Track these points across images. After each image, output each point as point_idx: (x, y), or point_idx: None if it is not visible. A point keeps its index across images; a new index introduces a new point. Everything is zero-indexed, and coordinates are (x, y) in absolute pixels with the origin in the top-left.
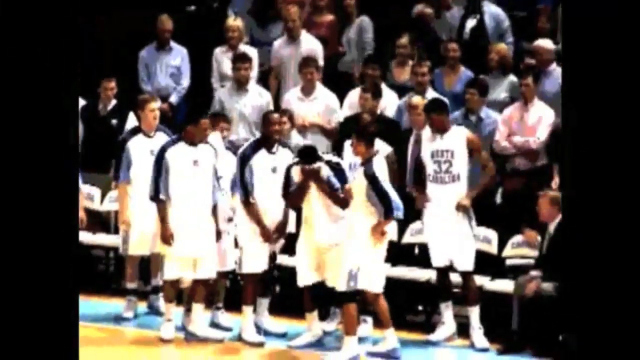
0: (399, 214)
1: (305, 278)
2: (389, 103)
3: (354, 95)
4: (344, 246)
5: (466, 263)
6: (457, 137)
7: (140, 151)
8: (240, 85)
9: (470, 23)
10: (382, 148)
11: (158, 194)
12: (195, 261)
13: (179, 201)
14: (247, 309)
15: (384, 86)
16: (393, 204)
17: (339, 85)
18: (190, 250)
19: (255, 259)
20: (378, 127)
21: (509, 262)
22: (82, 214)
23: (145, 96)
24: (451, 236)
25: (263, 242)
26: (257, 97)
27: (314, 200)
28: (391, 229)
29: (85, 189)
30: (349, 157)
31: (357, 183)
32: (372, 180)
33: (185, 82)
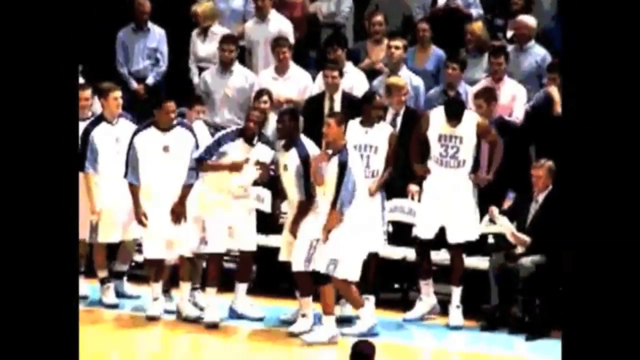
0: (343, 210)
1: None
2: (356, 82)
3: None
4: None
5: (460, 235)
6: (469, 123)
7: (105, 140)
8: (225, 67)
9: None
10: (385, 127)
11: (127, 178)
12: (172, 242)
13: (150, 185)
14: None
15: (351, 66)
16: (340, 199)
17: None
18: (163, 231)
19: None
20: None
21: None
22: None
23: (107, 84)
24: (449, 211)
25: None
26: (241, 79)
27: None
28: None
29: None
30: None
31: (331, 172)
32: (342, 169)
33: (163, 63)
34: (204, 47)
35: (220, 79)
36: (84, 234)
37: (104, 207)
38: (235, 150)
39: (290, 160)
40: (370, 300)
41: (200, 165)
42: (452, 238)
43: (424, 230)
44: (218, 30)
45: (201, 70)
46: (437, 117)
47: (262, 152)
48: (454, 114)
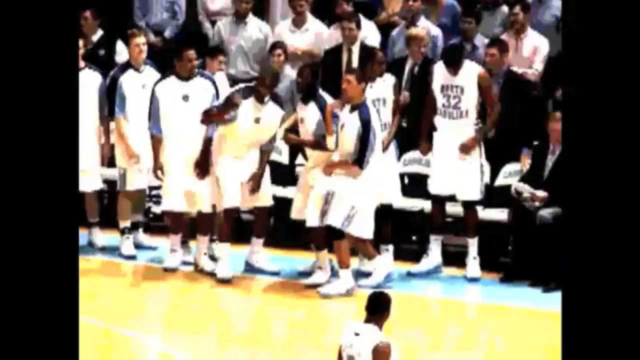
0: (365, 167)
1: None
2: (369, 34)
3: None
4: (342, 187)
5: (470, 192)
6: (469, 74)
7: (132, 86)
8: (240, 18)
9: None
10: (388, 78)
11: (150, 129)
12: (193, 195)
13: (171, 135)
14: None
15: (362, 18)
16: (366, 157)
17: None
18: (183, 183)
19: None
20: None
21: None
22: (106, 148)
23: (132, 30)
24: (456, 167)
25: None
26: (256, 31)
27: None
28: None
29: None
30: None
31: (351, 127)
32: (365, 127)
33: (181, 16)
34: (215, 1)
35: (235, 30)
36: (98, 184)
37: (135, 152)
38: (246, 107)
39: (308, 113)
40: (389, 250)
41: (206, 116)
42: (459, 195)
43: (437, 187)
44: None
45: (213, 24)
46: (439, 69)
47: (273, 112)
48: (451, 59)
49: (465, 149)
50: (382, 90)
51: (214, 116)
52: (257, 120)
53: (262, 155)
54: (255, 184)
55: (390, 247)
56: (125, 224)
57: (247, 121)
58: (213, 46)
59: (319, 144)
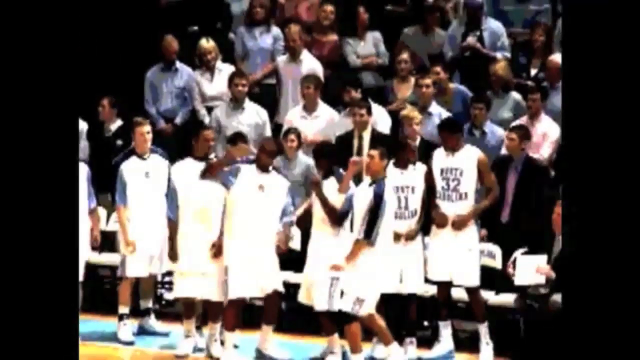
0: (373, 242)
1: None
2: (379, 119)
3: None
4: (348, 270)
5: (471, 279)
6: (468, 157)
7: (134, 173)
8: (237, 102)
9: (471, 40)
10: (420, 167)
11: (167, 213)
12: (204, 279)
13: (186, 216)
14: (230, 335)
15: (372, 103)
16: (374, 231)
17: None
18: (195, 266)
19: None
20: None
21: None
22: (96, 233)
23: (137, 119)
24: (455, 253)
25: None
26: (254, 115)
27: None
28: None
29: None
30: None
31: (365, 203)
32: (377, 200)
33: (191, 102)
34: (213, 86)
35: (233, 115)
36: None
37: (132, 240)
38: (249, 174)
39: (327, 190)
40: (413, 342)
41: (207, 168)
42: (457, 281)
43: (433, 272)
44: (223, 67)
45: (209, 110)
46: (438, 153)
47: (277, 181)
48: (451, 128)
49: (457, 225)
50: (412, 178)
51: (213, 167)
52: (260, 188)
53: (285, 227)
54: (283, 245)
55: (414, 340)
56: (123, 309)
57: (250, 188)
58: (235, 133)
59: (334, 213)
